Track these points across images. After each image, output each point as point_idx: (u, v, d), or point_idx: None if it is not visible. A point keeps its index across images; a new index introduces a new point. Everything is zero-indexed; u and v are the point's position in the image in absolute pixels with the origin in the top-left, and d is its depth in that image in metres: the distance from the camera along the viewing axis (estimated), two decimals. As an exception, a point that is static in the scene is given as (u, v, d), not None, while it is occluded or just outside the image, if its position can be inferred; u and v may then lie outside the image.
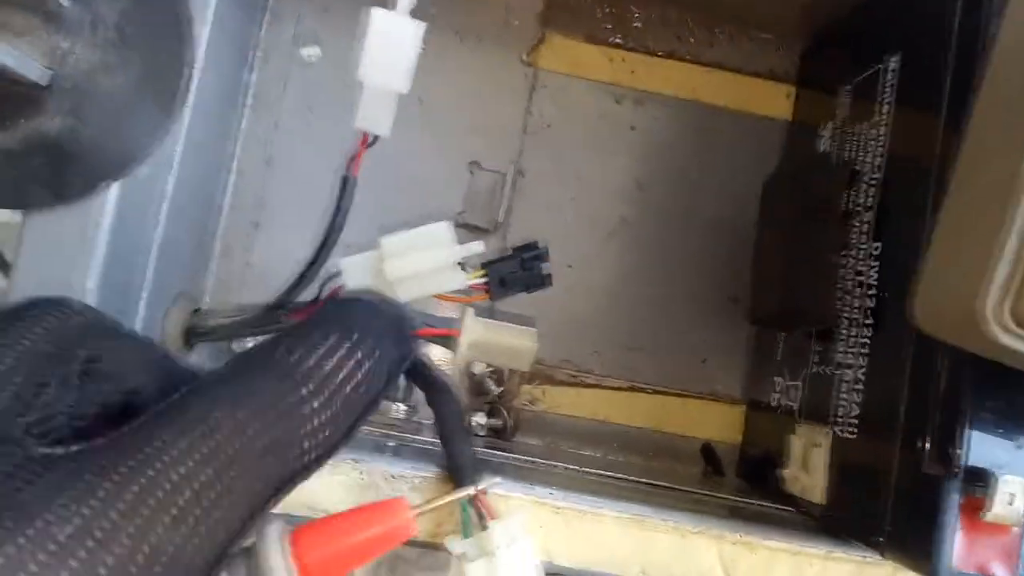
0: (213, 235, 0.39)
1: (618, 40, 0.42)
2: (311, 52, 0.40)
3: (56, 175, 0.27)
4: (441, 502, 0.26)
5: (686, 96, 0.42)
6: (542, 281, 0.33)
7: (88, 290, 0.28)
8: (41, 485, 0.15)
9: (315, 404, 0.18)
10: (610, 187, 0.42)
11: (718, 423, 0.43)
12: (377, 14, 0.29)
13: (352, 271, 0.31)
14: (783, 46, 0.43)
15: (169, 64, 0.28)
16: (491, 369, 0.41)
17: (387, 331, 0.21)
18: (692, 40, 0.42)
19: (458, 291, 0.33)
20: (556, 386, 0.42)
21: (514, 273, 0.33)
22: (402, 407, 0.37)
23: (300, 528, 0.20)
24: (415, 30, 0.29)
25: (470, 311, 0.31)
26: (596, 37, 0.42)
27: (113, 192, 0.28)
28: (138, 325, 0.31)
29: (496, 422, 0.41)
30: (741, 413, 0.43)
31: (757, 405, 0.42)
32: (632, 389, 0.42)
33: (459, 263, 0.31)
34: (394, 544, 0.21)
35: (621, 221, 0.42)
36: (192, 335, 0.36)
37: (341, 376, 0.19)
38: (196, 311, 0.37)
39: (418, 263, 0.30)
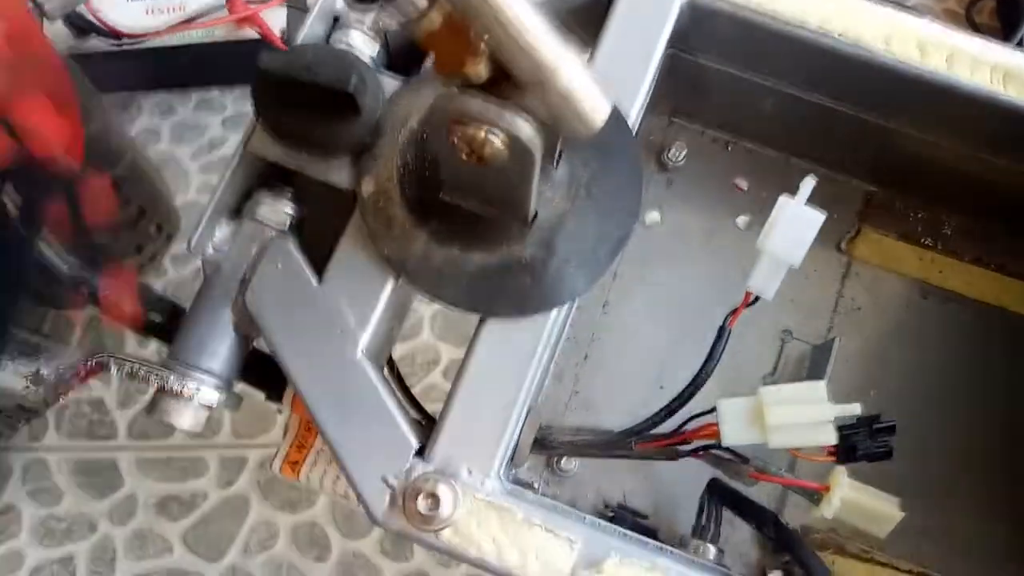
0: (551, 360, 0.44)
1: (928, 242, 0.46)
2: (653, 217, 0.46)
3: (519, 293, 0.33)
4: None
5: (990, 301, 0.45)
6: (886, 454, 0.36)
7: (524, 389, 0.33)
8: None
9: None
10: (913, 375, 0.44)
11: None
12: (785, 201, 0.35)
13: (728, 412, 0.34)
14: (1088, 267, 0.45)
15: (619, 218, 0.34)
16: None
17: None
18: (997, 250, 0.46)
19: (806, 448, 0.35)
20: (847, 558, 0.42)
21: (864, 442, 0.35)
22: (712, 548, 0.39)
23: None
24: (816, 217, 0.35)
25: (842, 470, 0.34)
26: (908, 236, 0.46)
27: (554, 313, 0.34)
28: (515, 432, 0.35)
29: (787, 583, 0.42)
30: (1027, 621, 0.42)
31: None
32: (921, 575, 0.43)
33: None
34: None
35: (922, 407, 0.44)
36: (541, 446, 0.40)
37: None
38: (541, 426, 0.41)
39: (798, 415, 0.33)
